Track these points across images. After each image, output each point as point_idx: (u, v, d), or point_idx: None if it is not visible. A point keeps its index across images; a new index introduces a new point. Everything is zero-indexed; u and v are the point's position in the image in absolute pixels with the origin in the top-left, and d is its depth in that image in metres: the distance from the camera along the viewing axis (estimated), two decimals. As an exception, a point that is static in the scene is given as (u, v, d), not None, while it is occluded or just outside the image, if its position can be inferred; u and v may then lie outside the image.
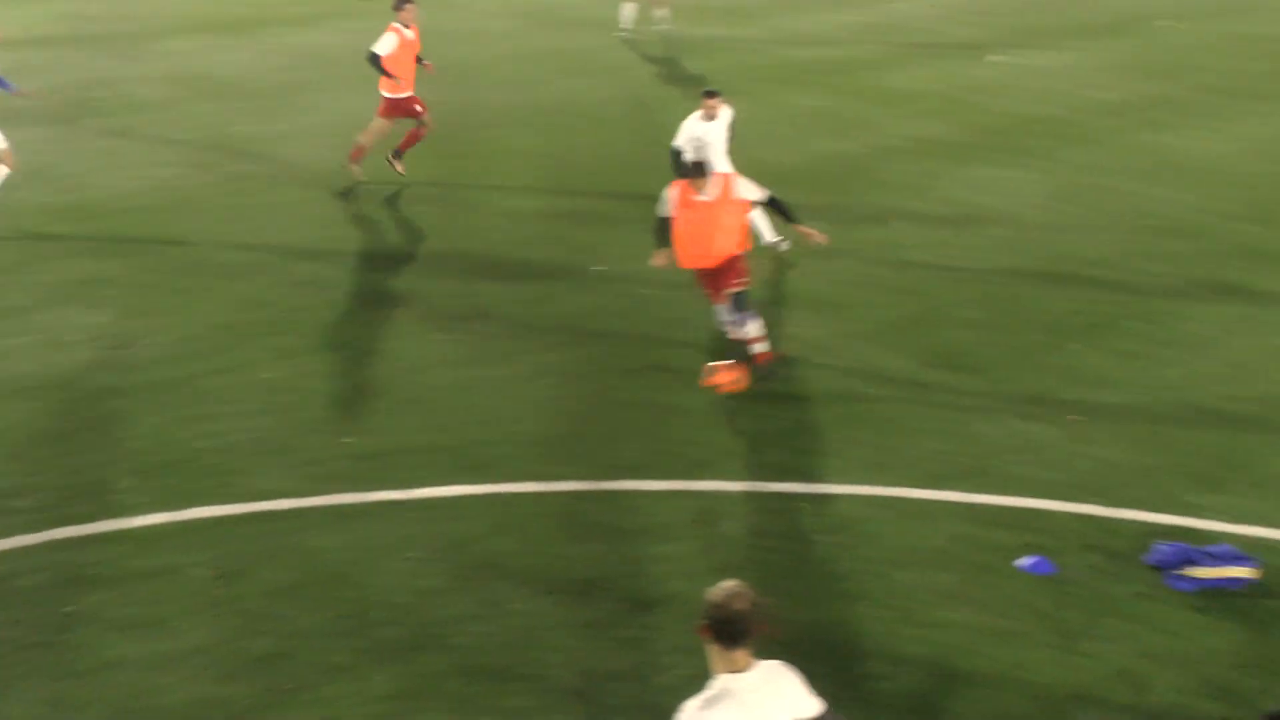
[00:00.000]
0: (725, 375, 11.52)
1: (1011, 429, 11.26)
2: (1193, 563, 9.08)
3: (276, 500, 10.24)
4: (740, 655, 5.50)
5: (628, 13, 26.67)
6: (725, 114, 15.04)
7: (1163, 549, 9.26)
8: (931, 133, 19.80)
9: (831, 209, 14.06)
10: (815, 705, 5.65)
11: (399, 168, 17.74)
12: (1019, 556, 9.43)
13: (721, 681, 5.50)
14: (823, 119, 20.06)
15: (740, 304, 11.84)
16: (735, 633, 5.46)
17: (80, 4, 30.04)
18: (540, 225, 16.27)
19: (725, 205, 11.68)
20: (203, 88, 23.01)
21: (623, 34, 26.31)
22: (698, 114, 14.85)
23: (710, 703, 5.42)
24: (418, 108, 17.63)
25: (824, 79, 22.92)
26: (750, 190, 12.06)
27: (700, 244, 11.77)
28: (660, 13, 27.39)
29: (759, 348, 12.07)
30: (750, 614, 5.47)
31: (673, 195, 11.82)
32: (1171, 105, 21.32)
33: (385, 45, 17.14)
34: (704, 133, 14.64)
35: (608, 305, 13.82)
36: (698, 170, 11.65)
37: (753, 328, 11.99)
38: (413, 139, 17.71)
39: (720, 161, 14.52)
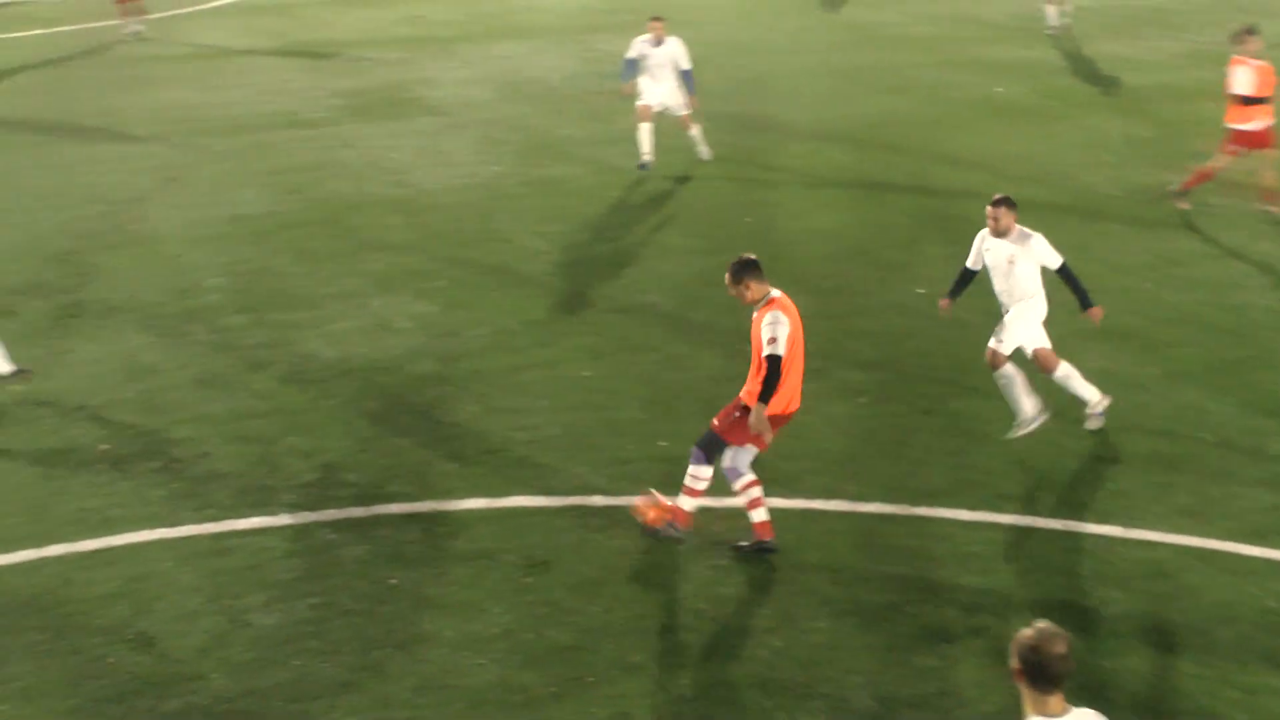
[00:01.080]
0: (653, 510, 9.88)
1: (1349, 488, 10.60)
2: None
3: (587, 496, 10.51)
4: (1055, 699, 5.36)
5: (1050, 13, 26.89)
6: (1034, 243, 11.19)
7: None
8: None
9: (1151, 238, 13.47)
10: (1133, 759, 5.46)
11: (1184, 204, 16.64)
12: (1356, 625, 8.89)
13: (1036, 724, 5.37)
14: (1139, 147, 19.44)
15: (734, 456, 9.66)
16: (1051, 676, 5.32)
17: (420, 8, 31.42)
18: (849, 242, 16.17)
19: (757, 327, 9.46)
20: (528, 91, 23.73)
21: (1051, 32, 26.49)
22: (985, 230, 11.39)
23: (1025, 744, 5.31)
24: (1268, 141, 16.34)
25: (1141, 106, 22.08)
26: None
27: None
28: (1056, 8, 27.20)
29: (756, 516, 9.73)
30: (1067, 658, 5.32)
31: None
32: None
33: (1243, 82, 16.14)
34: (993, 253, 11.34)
35: (918, 328, 13.58)
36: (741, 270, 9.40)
37: (748, 484, 9.69)
38: (1202, 177, 16.60)
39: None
